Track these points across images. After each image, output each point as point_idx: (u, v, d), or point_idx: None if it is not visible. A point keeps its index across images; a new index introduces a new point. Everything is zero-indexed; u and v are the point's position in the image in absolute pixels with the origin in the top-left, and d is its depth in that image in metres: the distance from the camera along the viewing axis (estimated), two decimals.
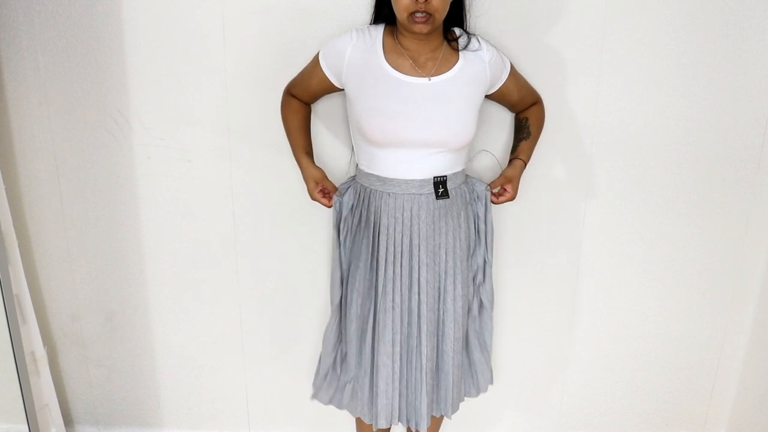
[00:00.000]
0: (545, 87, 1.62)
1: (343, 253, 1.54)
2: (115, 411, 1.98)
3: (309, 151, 1.56)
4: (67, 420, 1.98)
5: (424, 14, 1.28)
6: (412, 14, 1.28)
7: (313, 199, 1.52)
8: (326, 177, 1.53)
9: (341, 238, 1.53)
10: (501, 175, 1.53)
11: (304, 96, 1.54)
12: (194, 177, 1.71)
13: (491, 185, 1.53)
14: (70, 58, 1.61)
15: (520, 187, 1.62)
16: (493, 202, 1.54)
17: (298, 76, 1.54)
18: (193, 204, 1.74)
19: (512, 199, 1.53)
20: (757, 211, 1.76)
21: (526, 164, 1.57)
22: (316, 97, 1.55)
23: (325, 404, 1.67)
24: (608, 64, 1.61)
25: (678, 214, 1.76)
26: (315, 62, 1.46)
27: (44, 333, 1.84)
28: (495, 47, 1.48)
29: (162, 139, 1.68)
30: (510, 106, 1.59)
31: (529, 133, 1.57)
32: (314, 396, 1.68)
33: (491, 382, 1.70)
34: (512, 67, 1.51)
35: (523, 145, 1.57)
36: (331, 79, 1.45)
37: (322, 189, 1.51)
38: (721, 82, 1.63)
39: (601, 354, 1.91)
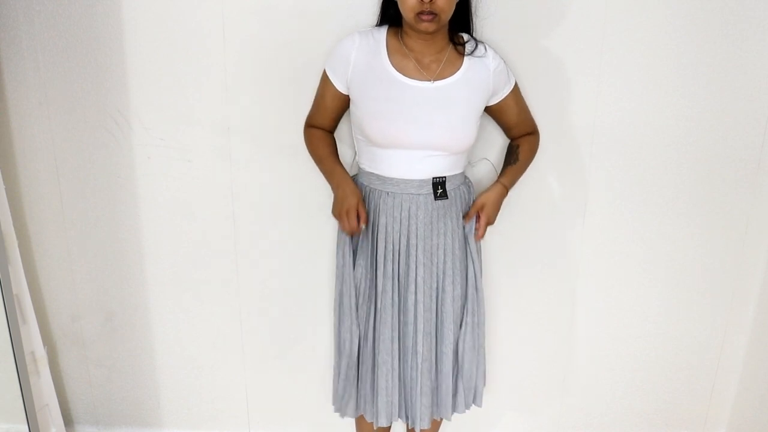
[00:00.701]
0: (545, 87, 1.62)
1: (344, 256, 1.54)
2: (115, 411, 1.98)
3: (347, 172, 1.51)
4: (67, 420, 1.98)
5: (431, 14, 1.29)
6: (418, 14, 1.29)
7: (343, 215, 1.44)
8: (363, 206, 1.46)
9: (344, 240, 1.53)
10: (473, 202, 1.51)
11: (323, 121, 1.53)
12: (194, 177, 1.71)
13: (465, 218, 1.50)
14: (70, 58, 1.61)
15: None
16: (476, 238, 1.50)
17: (312, 104, 1.54)
18: (193, 204, 1.74)
19: (490, 224, 1.51)
20: (757, 211, 1.76)
21: (507, 189, 1.54)
22: (335, 119, 1.54)
23: (353, 416, 1.64)
24: (608, 64, 1.61)
25: (678, 214, 1.76)
26: (324, 78, 1.47)
27: (44, 333, 1.84)
28: (504, 61, 1.47)
29: (162, 139, 1.68)
30: (506, 127, 1.57)
31: (516, 159, 1.56)
32: (339, 411, 1.64)
33: (475, 403, 1.63)
34: (517, 86, 1.51)
35: (509, 169, 1.55)
36: (339, 88, 1.44)
37: (359, 211, 1.44)
38: (721, 82, 1.63)
39: (601, 354, 1.91)
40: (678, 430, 2.01)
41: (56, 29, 1.58)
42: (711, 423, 2.00)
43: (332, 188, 1.51)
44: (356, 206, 1.43)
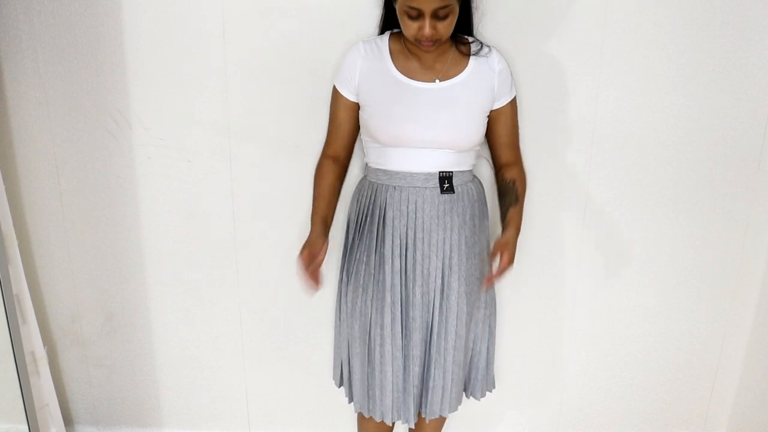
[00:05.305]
0: (545, 87, 1.62)
1: (350, 254, 1.54)
2: (115, 411, 1.98)
3: (326, 221, 1.48)
4: (67, 420, 1.98)
5: (431, 41, 1.32)
6: (419, 39, 1.33)
7: (300, 256, 1.42)
8: (323, 254, 1.42)
9: (350, 238, 1.54)
10: (495, 243, 1.45)
11: (339, 140, 1.51)
12: (194, 177, 1.71)
13: (491, 256, 1.46)
14: (70, 58, 1.61)
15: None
16: (493, 280, 1.44)
17: (328, 129, 1.54)
18: (193, 204, 1.74)
19: (510, 263, 1.45)
20: (757, 211, 1.76)
21: (518, 234, 1.49)
22: (350, 136, 1.52)
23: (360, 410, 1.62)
24: (608, 64, 1.61)
25: (678, 214, 1.76)
26: (334, 94, 1.48)
27: (44, 333, 1.84)
28: (510, 70, 1.47)
29: (162, 139, 1.68)
30: (495, 144, 1.53)
31: (516, 198, 1.51)
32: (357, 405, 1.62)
33: (491, 389, 1.67)
34: (515, 101, 1.50)
35: (512, 213, 1.51)
36: (348, 97, 1.46)
37: (311, 257, 1.40)
38: (721, 82, 1.63)
39: (601, 354, 1.91)
40: (678, 430, 2.01)
41: (56, 29, 1.58)
42: (711, 423, 2.00)
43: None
44: (309, 249, 1.40)
